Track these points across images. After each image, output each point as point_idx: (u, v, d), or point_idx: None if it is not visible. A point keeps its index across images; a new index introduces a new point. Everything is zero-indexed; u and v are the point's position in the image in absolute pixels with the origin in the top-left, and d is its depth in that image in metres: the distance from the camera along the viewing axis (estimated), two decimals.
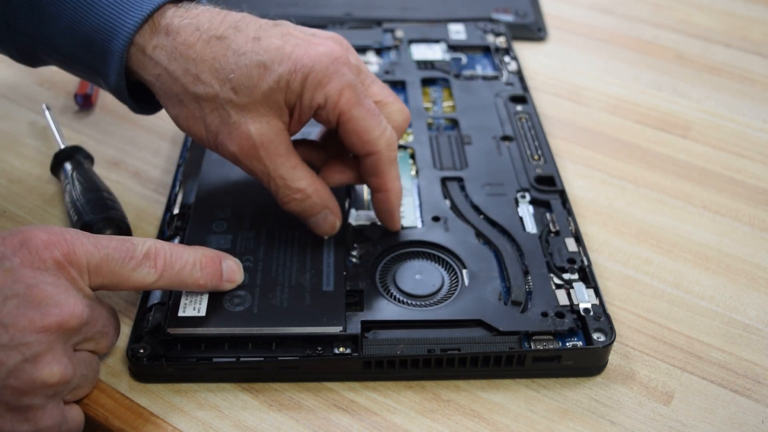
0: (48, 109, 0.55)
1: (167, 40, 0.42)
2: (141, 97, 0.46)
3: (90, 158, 0.52)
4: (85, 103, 0.59)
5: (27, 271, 0.34)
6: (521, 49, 0.68)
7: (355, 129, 0.42)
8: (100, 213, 0.46)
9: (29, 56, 0.47)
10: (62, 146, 0.51)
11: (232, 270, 0.41)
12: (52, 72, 0.63)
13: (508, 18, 0.71)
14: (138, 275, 0.38)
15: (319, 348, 0.40)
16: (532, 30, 0.71)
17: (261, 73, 0.41)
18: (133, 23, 0.42)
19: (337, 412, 0.39)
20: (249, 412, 0.39)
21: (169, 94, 0.43)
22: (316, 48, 0.41)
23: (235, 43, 0.41)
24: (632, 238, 0.50)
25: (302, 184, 0.43)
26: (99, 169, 0.52)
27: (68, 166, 0.50)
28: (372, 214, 0.47)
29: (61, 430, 0.36)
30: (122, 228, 0.46)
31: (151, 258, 0.38)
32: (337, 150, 0.46)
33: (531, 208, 0.49)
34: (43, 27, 0.44)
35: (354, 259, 0.45)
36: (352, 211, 0.48)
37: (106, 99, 0.61)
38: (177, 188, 0.50)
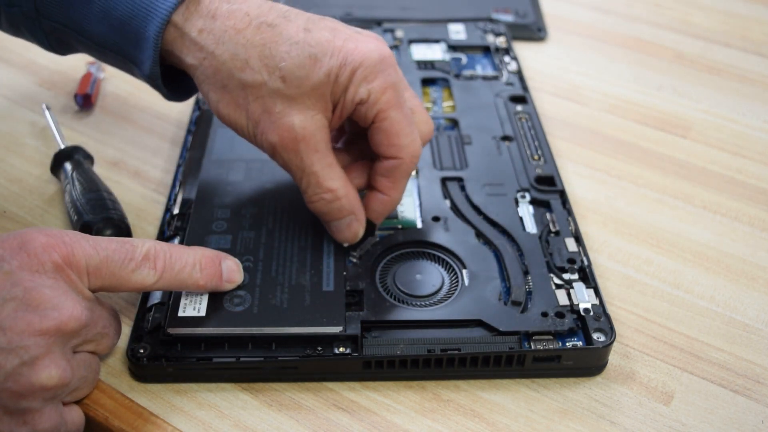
0: (48, 109, 0.55)
1: (215, 23, 0.41)
2: (173, 84, 0.45)
3: (90, 158, 0.52)
4: (85, 103, 0.59)
5: (25, 274, 0.34)
6: (521, 49, 0.68)
7: (388, 130, 0.42)
8: (100, 213, 0.46)
9: (60, 43, 0.47)
10: (62, 146, 0.51)
11: (231, 270, 0.41)
12: (52, 72, 0.63)
13: (508, 18, 0.71)
14: (138, 276, 0.37)
15: (319, 348, 0.40)
16: (532, 30, 0.71)
17: (312, 64, 0.40)
18: (169, 4, 0.41)
19: (337, 412, 0.39)
20: (249, 412, 0.39)
21: (213, 79, 0.42)
22: (366, 44, 0.41)
23: (286, 32, 0.41)
24: (632, 238, 0.50)
25: (334, 185, 0.42)
26: (99, 169, 0.52)
27: (68, 166, 0.50)
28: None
29: None
30: (122, 228, 0.46)
31: (150, 259, 0.38)
32: (356, 156, 0.46)
33: (531, 208, 0.49)
34: (75, 13, 0.44)
35: (354, 259, 0.45)
36: None
37: (106, 99, 0.61)
38: (177, 188, 0.50)
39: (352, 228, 0.44)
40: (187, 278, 0.39)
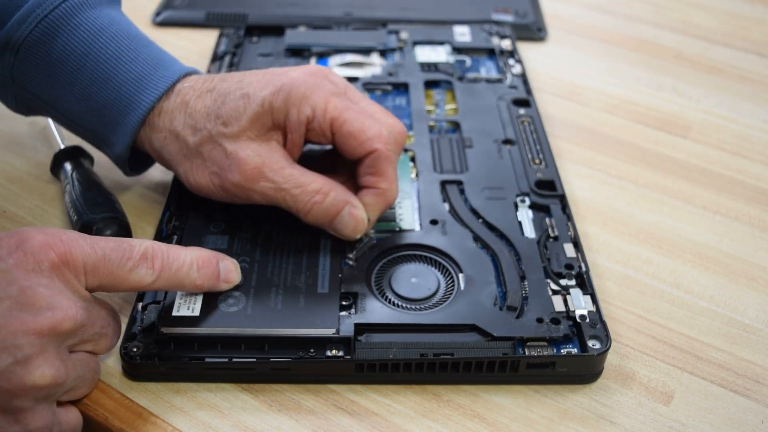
0: None
1: (169, 103, 0.45)
2: (131, 160, 0.48)
3: (90, 158, 0.52)
4: None
5: (21, 273, 0.34)
6: (521, 49, 0.68)
7: (350, 131, 0.43)
8: (99, 213, 0.46)
9: (28, 109, 0.49)
10: (62, 146, 0.51)
11: (229, 270, 0.41)
12: None
13: (508, 18, 0.71)
14: (135, 276, 0.37)
15: (312, 350, 0.40)
16: (532, 30, 0.71)
17: (245, 102, 0.43)
18: (149, 101, 0.45)
19: (338, 413, 0.39)
20: (249, 412, 0.39)
21: (175, 153, 0.45)
22: (293, 72, 0.44)
23: (223, 88, 0.45)
24: (632, 238, 0.50)
25: (317, 185, 0.43)
26: (99, 169, 0.52)
27: (68, 166, 0.50)
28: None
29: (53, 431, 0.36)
30: (122, 228, 0.46)
31: (148, 259, 0.38)
32: (336, 168, 0.47)
33: (530, 213, 0.48)
34: (54, 91, 0.46)
35: (350, 262, 0.45)
36: None
37: None
38: (176, 188, 0.50)
39: (355, 215, 0.44)
40: (185, 278, 0.39)
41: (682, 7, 0.76)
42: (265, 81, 0.44)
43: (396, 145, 0.45)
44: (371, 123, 0.43)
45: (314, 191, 0.43)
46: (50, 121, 0.54)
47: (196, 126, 0.44)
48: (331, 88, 0.44)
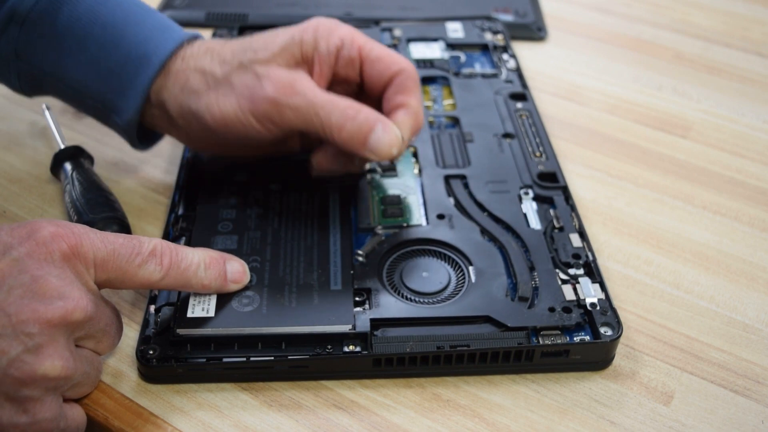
0: (48, 109, 0.55)
1: (192, 49, 0.46)
2: (139, 134, 0.48)
3: (90, 158, 0.52)
4: None
5: (33, 262, 0.34)
6: (521, 48, 0.68)
7: (378, 55, 0.45)
8: (100, 213, 0.46)
9: (31, 86, 0.48)
10: (62, 146, 0.51)
11: (236, 271, 0.41)
12: None
13: (508, 17, 0.71)
14: (144, 272, 0.37)
15: (329, 347, 0.40)
16: (532, 30, 0.71)
17: (274, 36, 0.45)
18: (166, 51, 0.45)
19: (337, 412, 0.39)
20: (249, 412, 0.39)
21: (197, 87, 0.45)
22: (316, 18, 0.46)
23: (250, 36, 0.46)
24: (632, 238, 0.50)
25: (349, 102, 0.43)
26: (99, 169, 0.52)
27: (68, 166, 0.50)
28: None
29: (59, 426, 0.36)
30: (123, 227, 0.46)
31: (157, 255, 0.38)
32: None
33: (534, 205, 0.49)
34: (61, 61, 0.46)
35: (360, 258, 0.45)
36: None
37: None
38: (181, 189, 0.50)
39: (389, 130, 0.43)
40: (192, 277, 0.39)
41: (681, 7, 0.76)
42: (291, 26, 0.46)
43: (416, 73, 0.46)
44: (394, 52, 0.46)
45: (347, 107, 0.43)
46: (50, 120, 0.54)
47: (224, 59, 0.45)
48: (352, 28, 0.46)
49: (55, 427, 0.36)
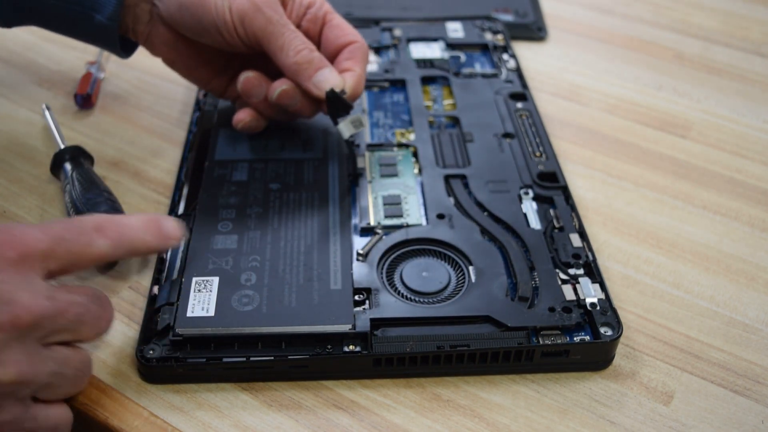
0: (48, 109, 0.55)
1: None
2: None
3: (90, 158, 0.52)
4: (85, 103, 0.59)
5: None
6: (521, 48, 0.68)
7: (339, 25, 0.51)
8: (100, 212, 0.46)
9: (11, 7, 0.49)
10: (62, 146, 0.51)
11: (173, 227, 0.41)
12: (52, 72, 0.63)
13: (508, 17, 0.71)
14: (94, 249, 0.37)
15: (329, 346, 0.40)
16: (532, 30, 0.71)
17: None
18: None
19: (337, 412, 0.39)
20: (249, 412, 0.39)
21: None
22: None
23: None
24: (632, 238, 0.50)
25: (309, 42, 0.48)
26: (99, 169, 0.52)
27: (68, 166, 0.50)
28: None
29: (23, 428, 0.35)
30: None
31: (101, 230, 0.37)
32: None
33: (534, 205, 0.49)
34: None
35: (360, 258, 0.45)
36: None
37: (106, 99, 0.61)
38: (180, 189, 0.50)
39: (336, 76, 0.48)
40: (138, 241, 0.39)
41: (681, 7, 0.76)
42: None
43: (367, 48, 0.51)
44: (352, 27, 0.51)
45: (308, 41, 0.48)
46: (50, 121, 0.54)
47: None
48: None
49: (18, 429, 0.35)
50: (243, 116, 0.51)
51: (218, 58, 0.52)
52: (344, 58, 0.49)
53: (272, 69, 0.49)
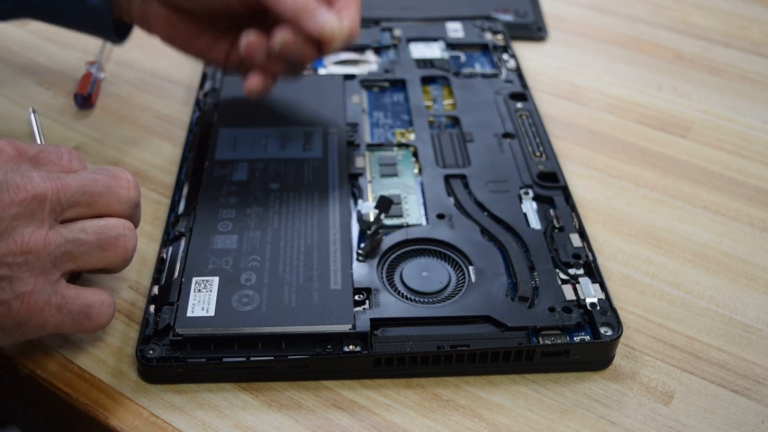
0: (34, 112, 0.54)
1: None
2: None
3: None
4: (84, 103, 0.59)
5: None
6: (521, 48, 0.68)
7: None
8: None
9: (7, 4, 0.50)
10: (41, 143, 0.50)
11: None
12: (52, 72, 0.63)
13: (508, 18, 0.71)
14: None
15: (329, 346, 0.40)
16: (532, 30, 0.71)
17: None
18: None
19: (337, 412, 0.39)
20: (249, 412, 0.39)
21: None
22: None
23: None
24: (632, 238, 0.50)
25: None
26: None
27: None
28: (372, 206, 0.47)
29: (50, 302, 0.36)
30: None
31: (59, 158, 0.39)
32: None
33: (534, 205, 0.49)
34: None
35: (360, 258, 0.45)
36: (359, 201, 0.48)
37: (106, 99, 0.61)
38: (180, 189, 0.50)
39: (335, 18, 0.47)
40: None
41: (681, 7, 0.76)
42: None
43: None
44: None
45: None
46: (34, 124, 0.53)
47: None
48: None
49: (44, 302, 0.35)
50: (253, 82, 0.50)
51: (215, 25, 0.52)
52: (339, 7, 0.48)
53: (269, 27, 0.48)
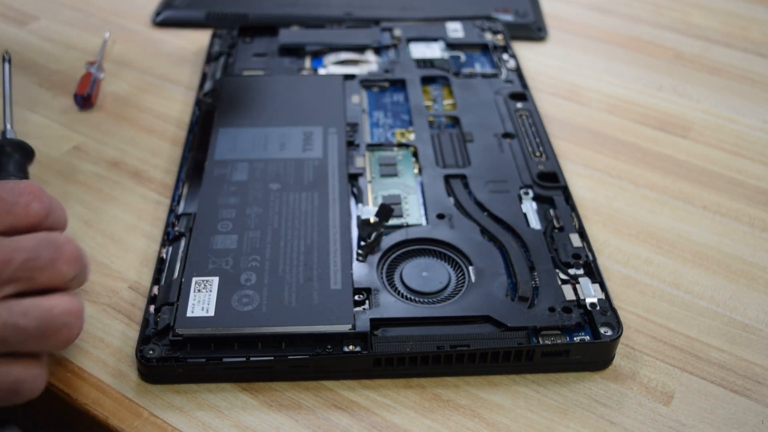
0: (7, 61, 0.52)
1: None
2: None
3: (26, 152, 0.49)
4: (84, 103, 0.59)
5: None
6: (521, 48, 0.68)
7: None
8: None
9: None
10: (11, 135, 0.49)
11: None
12: (52, 72, 0.63)
13: (508, 18, 0.71)
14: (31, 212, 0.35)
15: (329, 346, 0.40)
16: (532, 30, 0.71)
17: None
18: None
19: (337, 412, 0.39)
20: (249, 412, 0.39)
21: None
22: None
23: None
24: (632, 238, 0.50)
25: None
26: (99, 169, 0.52)
27: None
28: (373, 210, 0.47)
29: None
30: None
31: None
32: None
33: (534, 205, 0.49)
34: None
35: (360, 258, 0.45)
36: (359, 206, 0.48)
37: (106, 99, 0.61)
38: (180, 189, 0.50)
39: None
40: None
41: (681, 7, 0.76)
42: None
43: None
44: None
45: None
46: (5, 66, 0.51)
47: None
48: None
49: None
50: None
51: None
52: None
53: None
